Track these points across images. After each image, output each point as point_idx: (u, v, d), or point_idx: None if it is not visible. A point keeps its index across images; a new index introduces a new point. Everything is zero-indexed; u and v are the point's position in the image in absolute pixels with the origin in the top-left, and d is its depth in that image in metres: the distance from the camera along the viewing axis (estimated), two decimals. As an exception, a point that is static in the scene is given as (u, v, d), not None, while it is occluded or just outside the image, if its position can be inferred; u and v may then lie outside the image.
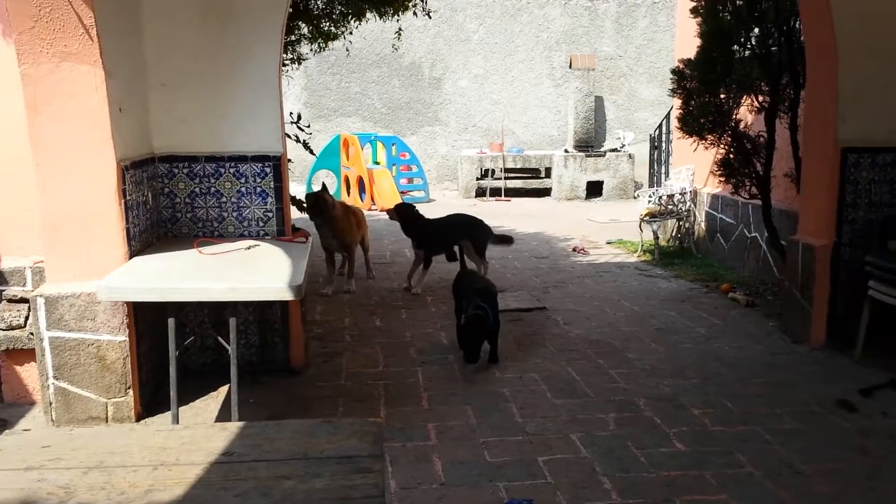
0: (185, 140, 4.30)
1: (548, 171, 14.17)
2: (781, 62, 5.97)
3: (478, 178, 14.07)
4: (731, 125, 6.30)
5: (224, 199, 4.39)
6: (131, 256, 3.77)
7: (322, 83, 14.55)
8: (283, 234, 4.46)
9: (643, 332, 5.47)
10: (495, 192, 13.86)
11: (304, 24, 7.23)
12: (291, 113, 6.12)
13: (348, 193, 12.94)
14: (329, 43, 7.64)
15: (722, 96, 6.36)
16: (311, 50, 7.72)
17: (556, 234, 10.02)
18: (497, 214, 11.80)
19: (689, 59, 6.51)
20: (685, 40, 8.04)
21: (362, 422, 2.30)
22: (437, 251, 6.92)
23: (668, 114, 10.38)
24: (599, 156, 13.78)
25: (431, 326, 5.65)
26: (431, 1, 14.08)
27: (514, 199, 13.75)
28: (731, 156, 6.34)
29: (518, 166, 14.21)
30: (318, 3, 7.11)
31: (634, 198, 8.93)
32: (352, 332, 5.49)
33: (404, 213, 7.03)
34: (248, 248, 4.06)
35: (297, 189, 13.85)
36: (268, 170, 4.38)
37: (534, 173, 14.37)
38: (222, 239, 4.28)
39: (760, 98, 6.18)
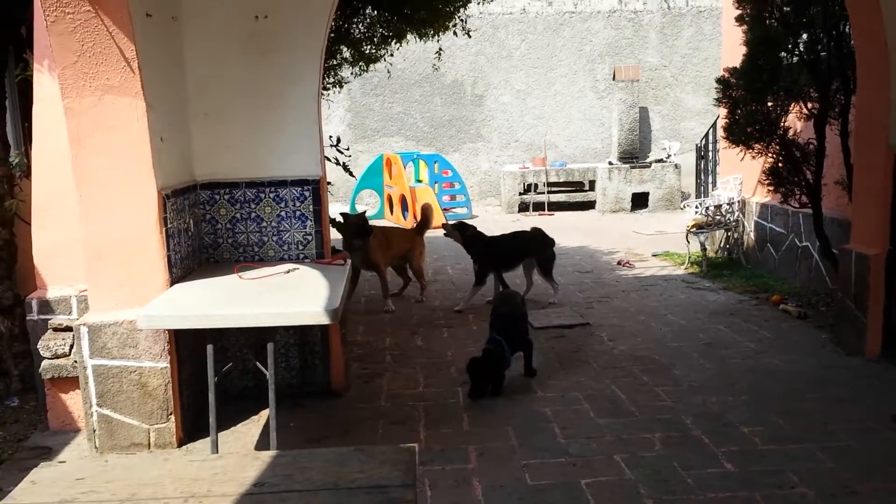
0: (227, 167, 4.36)
1: (591, 184, 14.02)
2: (831, 67, 5.80)
3: (520, 193, 14.00)
4: (779, 133, 6.15)
5: (264, 224, 4.44)
6: (172, 283, 3.83)
7: (365, 104, 14.71)
8: (323, 256, 4.48)
9: (690, 348, 5.34)
10: (538, 207, 13.78)
11: (345, 48, 7.32)
12: (331, 136, 6.18)
13: (391, 212, 13.02)
14: (371, 65, 7.70)
15: (769, 104, 6.21)
16: (353, 73, 7.80)
17: (600, 247, 9.90)
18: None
19: (735, 68, 6.38)
20: (731, 49, 7.89)
21: (395, 449, 2.28)
22: (498, 269, 6.92)
23: (715, 123, 10.20)
24: (644, 167, 13.60)
25: (473, 345, 5.60)
26: (472, 20, 14.20)
27: (558, 213, 13.64)
28: (780, 164, 6.18)
29: (561, 180, 14.11)
30: (360, 27, 7.19)
31: (681, 209, 8.76)
32: (392, 353, 5.49)
33: (463, 230, 6.99)
34: (288, 272, 4.10)
35: (341, 209, 14.02)
36: (307, 194, 4.42)
37: (577, 186, 14.24)
38: (263, 263, 4.33)
39: (809, 105, 6.02)
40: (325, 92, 6.82)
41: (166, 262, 3.78)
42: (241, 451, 3.83)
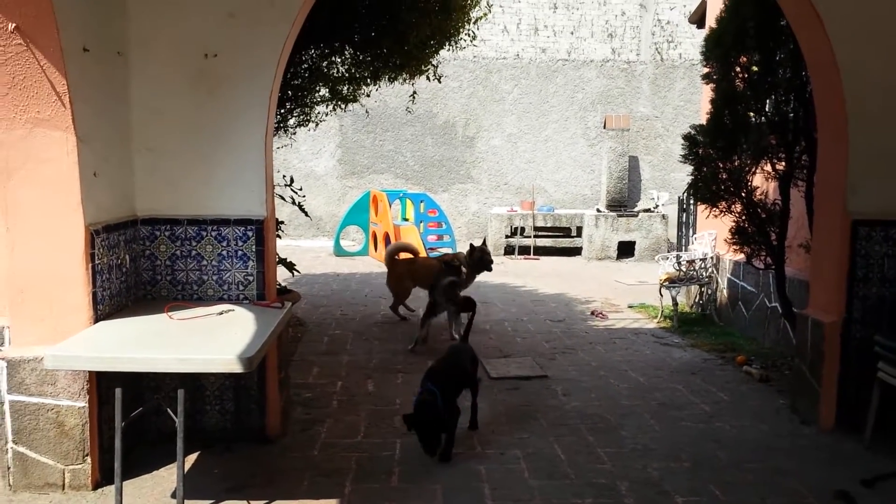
0: (169, 203, 4.31)
1: (579, 230, 13.99)
2: (797, 128, 5.78)
3: (507, 236, 13.97)
4: (744, 192, 6.10)
5: (205, 262, 4.37)
6: (98, 320, 3.75)
7: (356, 141, 14.76)
8: (264, 297, 4.40)
9: (643, 407, 5.22)
10: (524, 251, 13.72)
11: (322, 87, 7.34)
12: (284, 176, 6.14)
13: (375, 248, 12.96)
14: (347, 105, 7.71)
15: (736, 163, 6.18)
16: (329, 112, 7.81)
17: (578, 295, 9.81)
18: (523, 273, 11.67)
19: (701, 125, 6.36)
20: (708, 106, 7.90)
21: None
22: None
23: (696, 176, 10.18)
24: (632, 216, 13.57)
25: (425, 394, 5.50)
26: (466, 63, 14.33)
27: (544, 258, 13.59)
28: (745, 224, 6.11)
29: (549, 224, 14.08)
30: (338, 67, 7.21)
31: (656, 261, 8.68)
32: (340, 398, 5.37)
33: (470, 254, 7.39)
34: (221, 313, 4.02)
35: (326, 244, 14.00)
36: (250, 233, 4.36)
37: (564, 232, 14.21)
38: (198, 303, 4.25)
39: (775, 165, 5.98)
40: (291, 130, 6.81)
41: (91, 299, 3.70)
42: (154, 499, 3.71)
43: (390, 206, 12.65)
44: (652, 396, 5.48)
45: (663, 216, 13.47)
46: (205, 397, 4.45)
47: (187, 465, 4.12)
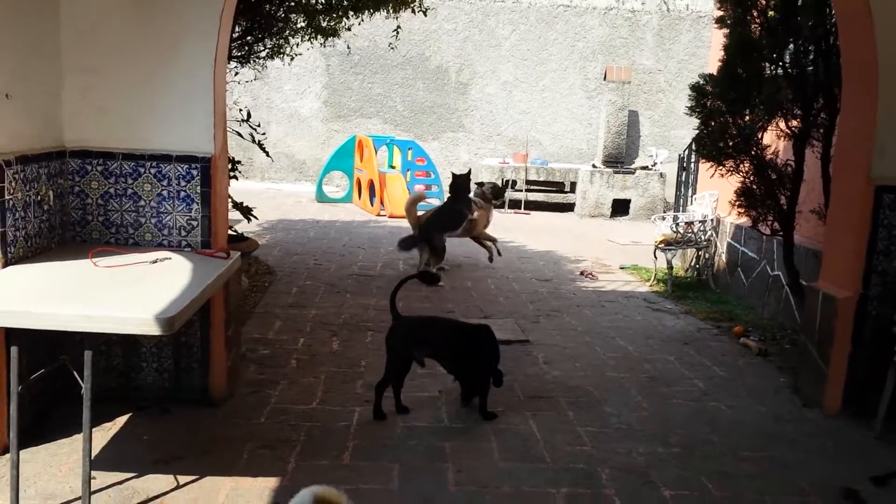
0: (102, 134, 3.76)
1: (573, 186, 13.44)
2: (817, 83, 5.23)
3: (498, 189, 13.39)
4: (754, 151, 5.57)
5: (142, 203, 3.84)
6: (7, 264, 3.23)
7: (344, 82, 14.07)
8: (210, 245, 3.88)
9: (631, 381, 4.77)
10: (515, 205, 13.19)
11: (300, 18, 6.69)
12: (241, 110, 5.57)
13: (359, 196, 12.41)
14: (328, 38, 7.08)
15: (746, 118, 5.63)
16: (307, 45, 7.19)
17: (568, 254, 9.33)
18: (512, 228, 11.15)
19: (711, 75, 5.80)
20: (718, 55, 7.30)
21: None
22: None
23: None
24: (629, 173, 13.01)
25: (394, 356, 5.03)
26: (462, 4, 13.56)
27: (535, 213, 13.06)
28: (753, 185, 5.60)
29: (542, 178, 13.52)
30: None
31: (653, 221, 8.18)
32: (301, 356, 4.90)
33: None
34: (155, 261, 3.50)
35: (309, 189, 13.40)
36: (195, 172, 3.82)
37: (558, 187, 13.66)
38: (132, 248, 3.74)
39: (790, 123, 5.44)
40: (261, 61, 6.20)
41: (0, 239, 3.18)
42: (67, 468, 3.24)
43: (376, 152, 12.05)
44: (641, 368, 5.03)
45: (661, 174, 12.92)
46: (140, 353, 3.97)
47: (115, 429, 3.67)
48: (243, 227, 6.16)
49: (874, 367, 4.18)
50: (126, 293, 2.98)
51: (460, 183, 7.88)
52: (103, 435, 3.58)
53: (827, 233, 4.62)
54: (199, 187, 3.82)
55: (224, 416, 3.90)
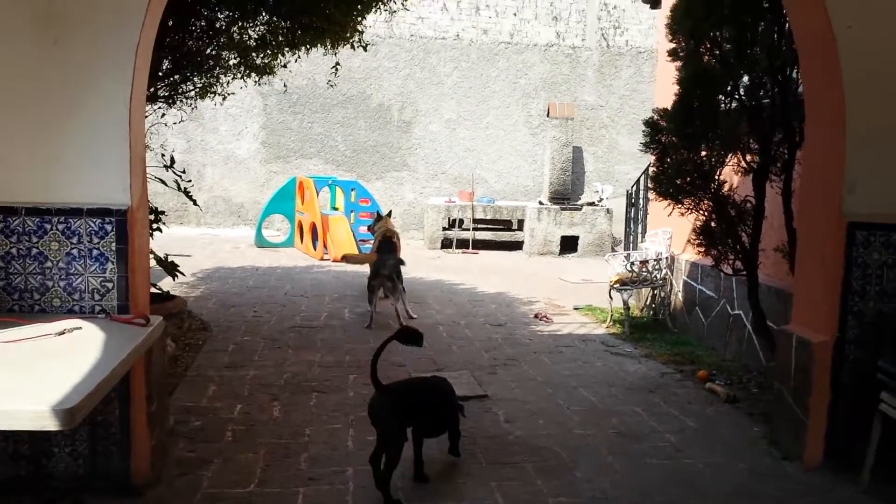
0: (2, 186, 3.28)
1: (520, 224, 13.24)
2: (774, 117, 5.07)
3: (444, 229, 13.10)
4: (712, 188, 5.37)
5: (49, 264, 3.36)
6: None
7: (282, 122, 13.65)
8: (127, 309, 3.42)
9: (599, 439, 4.42)
10: (463, 244, 12.89)
11: (232, 56, 6.29)
12: (163, 155, 5.13)
13: (301, 240, 11.94)
14: (262, 76, 6.69)
15: (703, 154, 5.44)
16: (240, 83, 6.78)
17: (520, 294, 9.03)
18: (461, 269, 10.84)
19: (665, 109, 5.60)
20: (665, 89, 7.19)
21: None
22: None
23: (647, 169, 9.49)
24: (575, 209, 12.88)
25: (341, 420, 4.60)
26: (403, 41, 13.38)
27: (483, 252, 12.78)
28: (713, 223, 5.39)
29: (489, 217, 13.28)
30: (253, 33, 6.19)
31: (606, 261, 7.96)
32: (237, 427, 4.41)
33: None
34: (62, 332, 3.02)
35: (248, 233, 12.87)
36: (109, 227, 3.36)
37: (505, 225, 13.44)
38: (35, 317, 3.24)
39: (748, 157, 5.26)
40: (190, 101, 5.78)
41: None
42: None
43: (318, 193, 11.64)
44: (608, 423, 4.70)
45: (608, 210, 12.82)
46: (50, 437, 3.45)
47: (17, 532, 3.13)
48: (176, 279, 5.66)
49: (856, 416, 3.93)
50: (20, 377, 2.51)
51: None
52: (0, 541, 3.05)
53: (798, 273, 4.40)
54: (114, 244, 3.37)
55: (148, 506, 3.40)
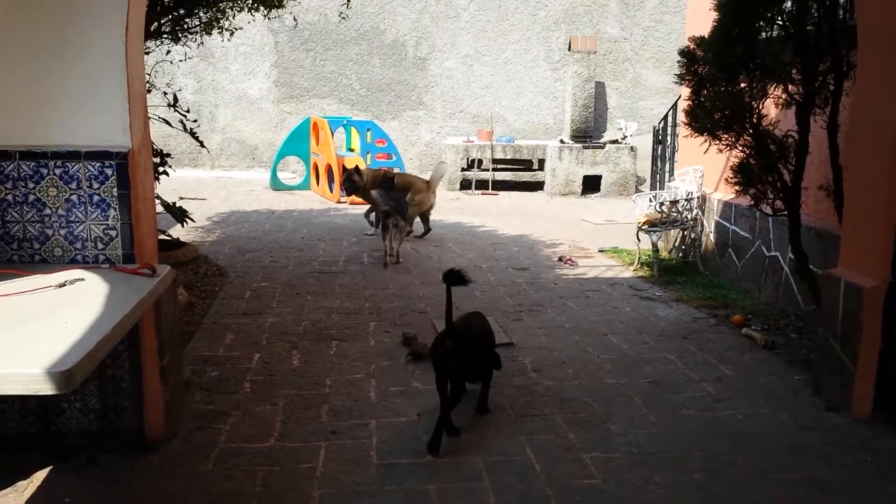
0: (-8, 127, 3.05)
1: (541, 163, 12.86)
2: (821, 44, 4.69)
3: (463, 169, 12.77)
4: (752, 121, 5.02)
5: (48, 211, 3.14)
6: None
7: (294, 60, 13.23)
8: (133, 258, 3.21)
9: (633, 388, 4.22)
10: (482, 185, 12.57)
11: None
12: (165, 93, 4.83)
13: (317, 182, 11.68)
14: (273, 10, 6.34)
15: (742, 85, 5.08)
16: (253, 17, 6.43)
17: (542, 237, 8.76)
18: (481, 211, 10.57)
19: (703, 38, 5.21)
20: (697, 17, 6.76)
21: None
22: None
23: (675, 104, 9.09)
24: (598, 147, 12.47)
25: (362, 370, 4.42)
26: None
27: (503, 193, 12.46)
28: (752, 160, 5.06)
29: (508, 157, 12.90)
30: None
31: (633, 201, 7.65)
32: (255, 377, 4.25)
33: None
34: (63, 284, 2.82)
35: (263, 176, 12.61)
36: (109, 171, 3.13)
37: (526, 165, 13.07)
38: (36, 268, 3.04)
39: (791, 89, 4.90)
40: (195, 36, 5.46)
41: None
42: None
43: (333, 134, 11.31)
44: (641, 372, 4.49)
45: (632, 148, 12.40)
46: (59, 392, 3.29)
47: (30, 490, 3.00)
48: (186, 224, 5.44)
49: (909, 365, 3.70)
50: (15, 335, 2.32)
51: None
52: (16, 499, 2.91)
53: (847, 213, 4.10)
54: (115, 189, 3.14)
55: (163, 463, 3.25)
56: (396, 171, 8.43)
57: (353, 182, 8.45)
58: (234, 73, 13.18)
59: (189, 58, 6.49)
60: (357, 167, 8.89)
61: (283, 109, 13.36)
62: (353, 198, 10.44)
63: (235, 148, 13.47)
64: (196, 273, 6.48)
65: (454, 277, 3.40)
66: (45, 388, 2.01)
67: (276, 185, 11.92)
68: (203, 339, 4.89)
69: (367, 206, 8.84)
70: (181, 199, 10.51)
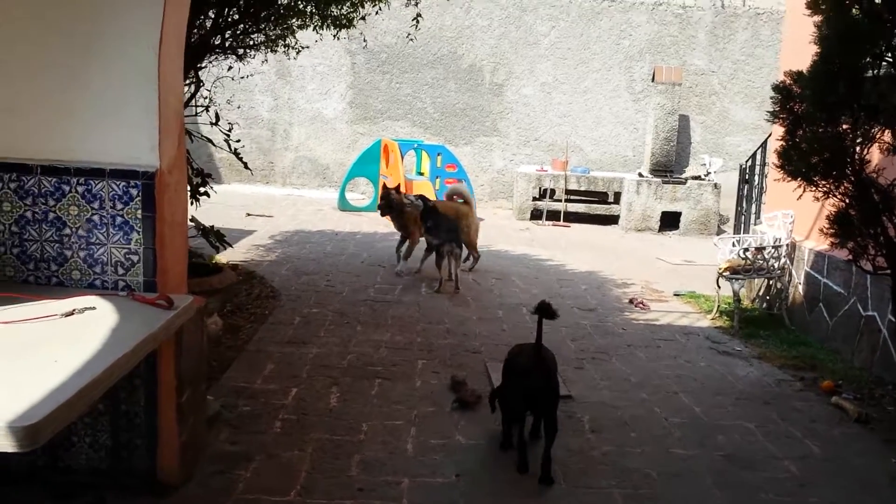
0: (13, 140, 2.87)
1: (617, 197, 12.36)
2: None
3: (535, 199, 12.37)
4: (854, 168, 4.49)
5: (68, 231, 2.93)
6: None
7: (370, 82, 13.15)
8: (156, 286, 2.96)
9: (703, 463, 3.73)
10: (553, 216, 12.14)
11: (304, 5, 5.75)
12: (207, 107, 4.62)
13: (384, 206, 11.45)
14: (341, 30, 6.14)
15: (844, 127, 4.56)
16: (320, 36, 6.26)
17: (613, 275, 8.28)
18: (550, 243, 10.14)
19: (800, 72, 4.71)
20: (796, 49, 6.23)
21: None
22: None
23: (765, 142, 8.50)
24: (679, 183, 11.89)
25: (403, 415, 4.07)
26: (500, -1, 12.56)
27: (575, 225, 12.00)
28: (852, 210, 4.52)
29: (582, 188, 12.45)
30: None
31: (714, 244, 7.10)
32: (289, 416, 3.96)
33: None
34: (71, 312, 2.58)
35: (332, 195, 12.50)
36: (134, 191, 2.89)
37: (600, 197, 12.59)
38: (48, 291, 2.82)
39: (898, 132, 4.36)
40: (265, 54, 5.28)
41: None
42: None
43: (403, 157, 11.11)
44: (714, 442, 3.99)
45: (715, 185, 11.77)
46: (70, 424, 3.06)
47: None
48: (251, 239, 5.24)
49: None
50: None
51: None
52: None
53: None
54: (139, 211, 2.90)
55: (171, 513, 2.97)
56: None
57: (389, 201, 7.50)
58: (310, 92, 13.19)
59: (250, 75, 6.35)
60: (398, 186, 8.27)
61: (357, 130, 13.28)
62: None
63: (307, 167, 13.45)
64: (249, 294, 6.30)
65: (545, 310, 3.38)
66: (5, 445, 1.73)
67: (344, 205, 11.79)
68: (242, 367, 4.64)
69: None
70: (248, 214, 10.59)
